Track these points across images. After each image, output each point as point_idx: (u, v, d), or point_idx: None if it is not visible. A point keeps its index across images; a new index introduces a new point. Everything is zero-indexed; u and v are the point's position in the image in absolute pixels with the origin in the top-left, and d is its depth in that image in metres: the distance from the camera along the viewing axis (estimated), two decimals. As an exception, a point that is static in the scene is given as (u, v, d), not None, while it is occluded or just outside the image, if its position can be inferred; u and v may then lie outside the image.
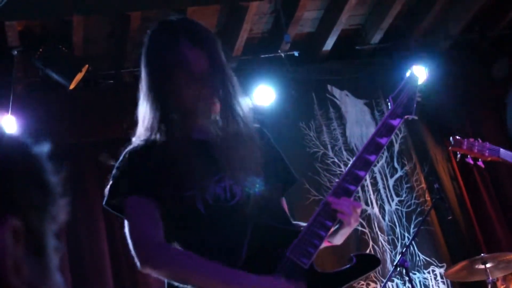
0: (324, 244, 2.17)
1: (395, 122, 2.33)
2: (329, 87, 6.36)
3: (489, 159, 3.89)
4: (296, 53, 5.98)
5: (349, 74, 6.35)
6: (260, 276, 2.00)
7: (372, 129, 6.28)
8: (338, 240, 2.19)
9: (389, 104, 2.44)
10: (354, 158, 2.25)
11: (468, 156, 3.89)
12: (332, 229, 2.14)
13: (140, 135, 2.19)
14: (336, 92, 6.36)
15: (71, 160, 5.06)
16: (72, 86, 5.11)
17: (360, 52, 6.41)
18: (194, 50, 2.14)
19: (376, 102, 6.39)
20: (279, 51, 5.93)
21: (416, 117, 2.40)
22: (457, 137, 3.93)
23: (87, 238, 5.18)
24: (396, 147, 6.31)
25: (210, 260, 2.02)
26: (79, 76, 5.13)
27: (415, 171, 6.25)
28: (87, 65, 5.19)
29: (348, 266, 2.15)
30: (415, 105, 2.41)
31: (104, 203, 2.18)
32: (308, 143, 6.07)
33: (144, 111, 2.18)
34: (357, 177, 2.19)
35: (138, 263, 2.06)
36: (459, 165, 6.41)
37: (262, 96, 5.80)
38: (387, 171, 6.19)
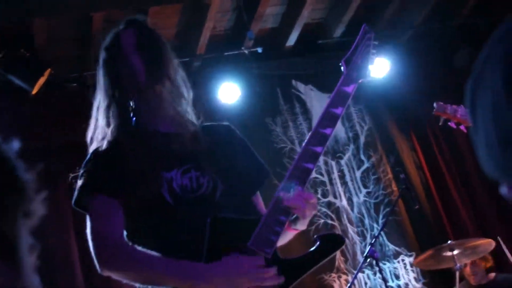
0: (290, 232, 2.17)
1: (349, 88, 2.22)
2: (293, 82, 6.44)
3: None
4: (259, 50, 6.03)
5: (313, 69, 6.42)
6: (215, 263, 2.00)
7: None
8: (302, 225, 2.17)
9: (342, 68, 2.29)
10: (308, 135, 2.16)
11: (451, 120, 3.97)
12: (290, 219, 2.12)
13: (104, 133, 2.25)
14: (301, 86, 6.44)
15: (39, 162, 5.04)
16: (35, 91, 5.08)
17: (324, 46, 6.48)
18: (137, 61, 2.21)
19: (341, 95, 6.47)
20: (243, 48, 5.98)
21: (370, 78, 2.26)
22: (441, 102, 4.02)
23: (56, 238, 5.18)
24: (362, 139, 6.41)
25: (166, 257, 2.05)
26: (41, 80, 5.11)
27: (382, 162, 6.37)
28: (49, 69, 5.16)
29: (312, 249, 2.13)
30: (369, 66, 2.27)
31: (73, 203, 2.22)
32: (275, 138, 6.15)
33: (103, 111, 2.26)
34: (313, 154, 2.12)
35: (97, 265, 2.11)
36: (425, 155, 6.54)
37: (227, 93, 5.85)
38: (354, 163, 6.28)
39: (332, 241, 2.19)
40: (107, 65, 2.26)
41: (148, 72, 2.19)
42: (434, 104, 4.03)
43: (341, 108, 2.18)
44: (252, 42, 5.98)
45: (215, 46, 6.02)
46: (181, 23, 5.78)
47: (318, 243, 2.15)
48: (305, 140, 2.17)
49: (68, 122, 5.48)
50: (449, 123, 4.00)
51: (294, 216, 2.14)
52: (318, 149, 2.13)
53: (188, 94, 2.32)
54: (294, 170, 2.13)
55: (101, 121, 2.24)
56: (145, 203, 2.13)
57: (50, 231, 5.15)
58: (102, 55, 2.30)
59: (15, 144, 0.93)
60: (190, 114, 2.32)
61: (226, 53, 5.99)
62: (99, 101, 2.27)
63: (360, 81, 2.26)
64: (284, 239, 2.19)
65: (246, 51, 5.98)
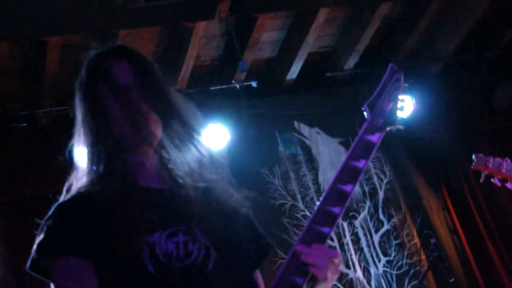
0: None
1: (374, 137, 2.22)
2: (296, 123, 6.45)
3: None
4: (254, 84, 6.06)
5: (320, 107, 6.45)
6: None
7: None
8: None
9: (365, 114, 2.29)
10: (325, 191, 2.17)
11: (495, 176, 3.98)
12: None
13: (73, 184, 2.24)
14: (305, 129, 6.45)
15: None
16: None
17: (332, 80, 6.52)
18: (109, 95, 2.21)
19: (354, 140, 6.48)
20: (233, 81, 6.01)
21: (402, 127, 2.29)
22: (481, 154, 4.03)
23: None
24: (381, 194, 6.40)
25: None
26: (-17, 119, 5.11)
27: (406, 223, 6.35)
28: (-6, 106, 5.17)
29: None
30: (397, 111, 2.28)
31: (28, 266, 2.17)
32: (272, 193, 6.13)
33: (78, 155, 2.25)
34: (330, 216, 2.12)
35: None
36: (459, 215, 6.52)
37: (213, 137, 5.84)
38: (371, 225, 6.25)
39: None
40: (86, 102, 2.25)
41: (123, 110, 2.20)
42: (473, 156, 4.04)
43: (363, 161, 2.19)
44: (244, 75, 6.02)
45: (200, 78, 6.06)
46: (158, 50, 5.82)
47: None
48: (321, 198, 2.16)
49: (15, 171, 5.46)
50: (492, 180, 4.01)
51: (310, 285, 2.09)
52: (336, 209, 2.13)
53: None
54: (306, 235, 2.12)
55: (78, 167, 2.24)
56: (121, 270, 2.10)
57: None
58: (80, 88, 2.27)
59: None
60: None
61: (212, 88, 6.02)
62: (78, 142, 2.25)
63: (388, 129, 2.26)
64: None
65: (237, 86, 6.00)
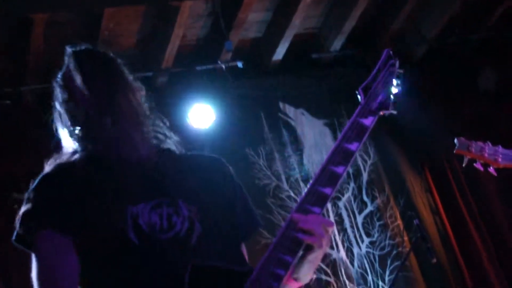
0: (290, 284, 2.14)
1: (367, 121, 2.22)
2: (281, 104, 6.44)
3: (502, 166, 3.99)
4: (240, 64, 6.04)
5: (306, 89, 6.45)
6: None
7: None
8: (306, 273, 2.14)
9: (359, 97, 2.30)
10: (316, 172, 2.18)
11: (477, 161, 3.98)
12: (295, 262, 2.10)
13: (61, 153, 2.26)
14: (290, 110, 6.44)
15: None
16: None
17: (318, 62, 6.51)
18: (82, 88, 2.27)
19: (339, 122, 6.49)
20: (219, 61, 5.99)
21: (394, 112, 2.29)
22: (462, 138, 4.03)
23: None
24: (365, 176, 6.41)
25: None
26: (-33, 96, 5.07)
27: (389, 205, 6.36)
28: (-23, 83, 5.13)
29: None
30: (393, 96, 2.29)
31: (13, 238, 2.20)
32: (257, 173, 6.12)
33: (59, 128, 2.29)
34: (321, 196, 2.13)
35: None
36: (442, 197, 6.54)
37: (199, 116, 5.83)
38: (354, 206, 6.27)
39: None
40: (60, 89, 2.33)
41: (95, 102, 2.26)
42: (455, 140, 4.03)
43: (356, 144, 2.19)
44: (230, 55, 5.99)
45: (185, 58, 6.03)
46: (143, 30, 5.78)
47: None
48: (312, 179, 2.17)
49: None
50: (474, 164, 4.01)
51: (301, 252, 2.09)
52: (328, 190, 2.13)
53: (156, 118, 2.37)
54: (298, 212, 2.12)
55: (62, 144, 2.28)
56: (104, 242, 2.11)
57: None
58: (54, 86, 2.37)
59: None
60: (166, 140, 2.35)
61: (198, 68, 5.99)
62: (58, 122, 2.31)
63: (381, 113, 2.26)
64: None
65: (223, 66, 5.99)
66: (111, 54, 2.42)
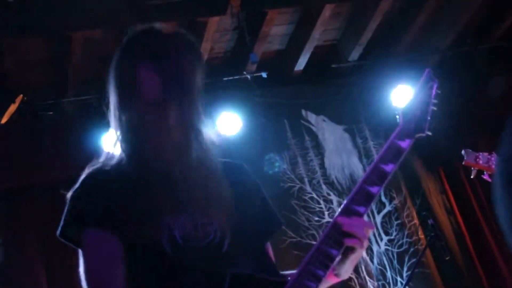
0: (329, 279, 2.12)
1: (405, 143, 2.19)
2: (303, 112, 6.44)
3: None
4: (264, 74, 6.06)
5: (326, 97, 6.45)
6: None
7: (354, 159, 6.36)
8: (347, 270, 2.13)
9: (397, 119, 2.25)
10: (352, 191, 2.15)
11: (485, 172, 3.93)
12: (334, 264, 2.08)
13: (103, 158, 2.22)
14: (312, 117, 6.44)
15: (2, 205, 5.14)
16: (4, 120, 5.10)
17: (337, 71, 6.51)
18: (151, 73, 2.15)
19: (358, 127, 6.49)
20: (245, 72, 6.01)
21: (430, 133, 2.26)
22: (470, 150, 3.98)
23: (24, 281, 5.21)
24: (383, 178, 6.38)
25: None
26: (12, 108, 5.12)
27: (406, 205, 6.34)
28: (21, 96, 5.18)
29: None
30: (429, 118, 2.26)
31: (58, 233, 2.16)
32: (281, 176, 6.13)
33: (112, 134, 2.23)
34: (356, 214, 2.09)
35: None
36: (456, 197, 6.51)
37: (227, 124, 5.85)
38: (373, 207, 6.24)
39: None
40: (115, 79, 2.21)
41: (164, 87, 2.15)
42: (463, 152, 3.99)
43: (391, 165, 2.15)
44: (255, 66, 6.02)
45: (213, 70, 6.05)
46: (174, 44, 5.80)
47: None
48: (347, 198, 2.15)
49: (43, 156, 5.49)
50: (482, 176, 3.97)
51: (342, 252, 2.08)
52: (361, 209, 2.11)
53: (209, 124, 2.28)
54: (332, 230, 2.11)
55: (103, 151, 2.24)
56: (141, 248, 2.09)
57: (18, 275, 5.16)
58: (111, 68, 2.23)
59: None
60: (212, 148, 2.25)
61: (225, 78, 6.02)
62: (110, 119, 2.22)
63: (417, 136, 2.24)
64: None
65: (248, 76, 6.01)
66: (196, 43, 2.30)
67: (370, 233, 5.91)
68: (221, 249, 2.12)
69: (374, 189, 2.12)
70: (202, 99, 2.28)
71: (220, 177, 2.23)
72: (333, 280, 2.15)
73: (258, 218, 2.28)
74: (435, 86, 2.31)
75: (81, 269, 2.11)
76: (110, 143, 2.25)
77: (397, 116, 2.25)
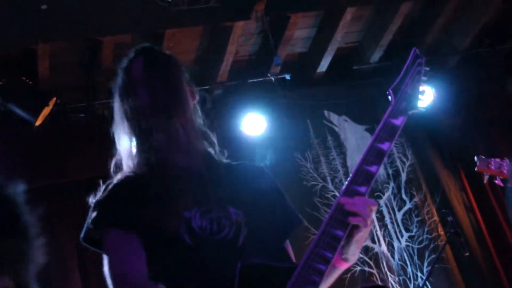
0: (337, 266, 2.13)
1: (398, 121, 2.17)
2: (326, 112, 6.43)
3: None
4: (287, 76, 6.05)
5: (348, 98, 6.43)
6: None
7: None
8: (354, 252, 2.12)
9: (389, 98, 2.24)
10: (352, 173, 2.14)
11: (497, 177, 3.93)
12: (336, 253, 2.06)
13: (121, 167, 2.28)
14: (334, 118, 6.43)
15: (40, 203, 5.14)
16: (38, 122, 5.14)
17: (359, 73, 6.50)
18: (142, 88, 2.28)
19: (379, 127, 6.45)
20: (269, 74, 6.01)
21: (423, 109, 2.22)
22: (482, 156, 3.97)
23: (59, 282, 5.24)
24: (404, 176, 6.36)
25: None
26: (46, 111, 5.17)
27: (426, 202, 6.31)
28: (55, 98, 5.22)
29: None
30: (420, 95, 2.23)
31: (81, 237, 2.21)
32: (305, 175, 6.12)
33: (122, 143, 2.29)
34: (357, 195, 2.08)
35: None
36: (475, 195, 6.46)
37: (251, 125, 5.85)
38: (394, 204, 6.23)
39: None
40: (119, 100, 2.34)
41: (155, 105, 2.26)
42: (476, 159, 3.98)
43: (388, 143, 2.14)
44: (279, 68, 6.01)
45: (238, 72, 6.07)
46: (201, 48, 5.83)
47: None
48: (348, 179, 2.14)
49: (76, 156, 5.53)
50: (495, 181, 3.95)
51: (348, 231, 2.07)
52: (362, 189, 2.09)
53: (205, 128, 2.36)
54: (335, 212, 2.08)
55: (122, 154, 2.30)
56: (162, 243, 2.13)
57: (54, 276, 5.19)
58: (114, 89, 2.38)
59: (19, 185, 0.96)
60: (213, 151, 2.35)
61: (250, 80, 6.03)
62: (119, 134, 2.31)
63: (410, 112, 2.20)
64: (327, 280, 2.12)
65: (272, 78, 6.00)
66: (175, 58, 2.40)
67: (390, 227, 5.99)
68: (237, 243, 2.15)
69: (373, 168, 2.11)
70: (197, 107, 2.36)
71: (234, 176, 2.27)
72: (342, 266, 2.14)
73: (277, 217, 2.30)
74: (423, 63, 2.28)
75: (105, 267, 2.14)
76: (124, 147, 2.30)
77: (388, 95, 2.23)
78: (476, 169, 3.99)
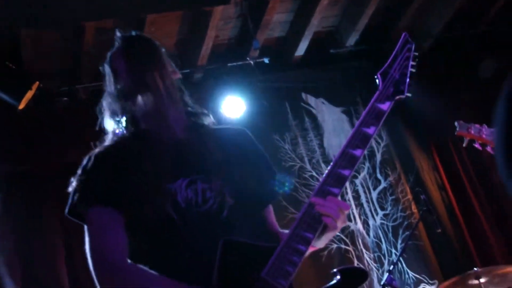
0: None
1: (385, 106, 2.15)
2: (303, 95, 6.46)
3: None
4: (266, 60, 6.06)
5: (325, 80, 6.46)
6: None
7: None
8: (322, 243, 2.14)
9: (377, 81, 2.20)
10: (336, 155, 2.11)
11: (476, 141, 3.98)
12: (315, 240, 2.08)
13: (107, 139, 2.29)
14: (312, 100, 6.46)
15: (22, 188, 5.16)
16: (22, 106, 5.12)
17: (336, 56, 6.51)
18: (121, 62, 2.32)
19: (355, 109, 6.50)
20: (248, 58, 6.01)
21: (409, 95, 2.20)
22: (462, 121, 4.02)
23: (44, 265, 5.23)
24: (379, 156, 6.41)
25: (171, 280, 2.03)
26: (29, 94, 5.14)
27: (400, 181, 6.37)
28: (37, 82, 5.20)
29: (332, 283, 2.09)
30: (408, 80, 2.20)
31: (66, 211, 2.21)
32: (283, 156, 6.16)
33: (106, 117, 2.32)
34: (340, 178, 2.08)
35: (96, 283, 2.09)
36: (447, 174, 6.53)
37: (231, 107, 5.87)
38: (369, 183, 6.28)
39: (355, 275, 2.14)
40: (106, 77, 2.38)
41: (133, 76, 2.26)
42: (456, 123, 4.04)
43: (373, 128, 2.13)
44: (258, 52, 6.02)
45: (218, 56, 6.06)
46: (181, 32, 5.82)
47: (339, 277, 2.10)
48: (332, 161, 2.13)
49: (58, 141, 5.51)
50: (474, 145, 4.01)
51: (320, 229, 2.08)
52: (346, 172, 2.09)
53: (187, 97, 2.36)
54: (317, 195, 2.10)
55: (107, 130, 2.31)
56: (148, 217, 2.12)
57: (38, 255, 5.18)
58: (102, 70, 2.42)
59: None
60: (197, 116, 2.34)
61: (229, 64, 6.03)
62: (105, 107, 2.34)
63: (397, 97, 2.20)
64: None
65: (251, 62, 6.01)
66: (155, 41, 2.41)
67: (366, 206, 6.02)
68: (221, 214, 2.14)
69: (357, 152, 2.10)
70: (180, 81, 2.36)
71: (218, 144, 2.25)
72: (310, 249, 2.14)
73: (261, 181, 2.29)
74: (413, 48, 2.26)
75: (86, 245, 2.14)
76: (112, 125, 2.32)
77: (376, 79, 2.20)
78: (456, 133, 4.05)
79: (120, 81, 2.28)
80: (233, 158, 2.25)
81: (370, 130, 2.12)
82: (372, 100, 2.16)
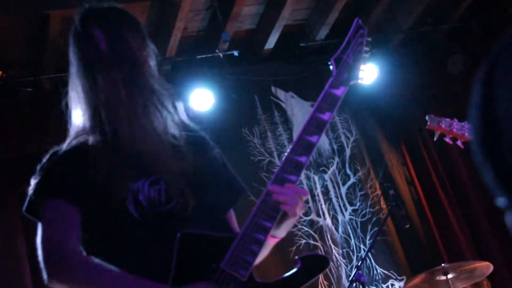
0: (269, 241, 2.12)
1: (339, 91, 2.16)
2: (273, 88, 6.42)
3: (468, 139, 4.00)
4: (235, 53, 6.02)
5: (294, 74, 6.43)
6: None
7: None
8: (282, 232, 2.14)
9: (331, 68, 2.22)
10: (293, 142, 2.11)
11: (447, 135, 4.00)
12: (274, 227, 2.07)
13: (69, 135, 2.20)
14: (281, 94, 6.43)
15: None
16: (-16, 96, 5.03)
17: (306, 50, 6.50)
18: (98, 30, 2.20)
19: (325, 103, 6.48)
20: (217, 50, 5.96)
21: (362, 79, 2.21)
22: (433, 115, 4.04)
23: (5, 256, 5.17)
24: (348, 151, 6.42)
25: (126, 274, 1.99)
26: (-8, 84, 5.06)
27: (369, 177, 6.37)
28: (1, 72, 5.11)
29: (293, 271, 2.09)
30: (361, 65, 2.22)
31: (23, 209, 2.14)
32: (252, 150, 6.12)
33: (73, 110, 2.19)
34: (297, 165, 2.08)
35: (44, 276, 2.02)
36: (416, 169, 6.57)
37: (199, 100, 5.82)
38: (339, 178, 6.27)
39: (315, 262, 2.14)
40: (73, 47, 2.23)
41: (110, 43, 2.17)
42: (427, 117, 4.04)
43: (329, 114, 2.13)
44: (227, 45, 5.97)
45: (187, 48, 6.00)
46: (148, 23, 5.74)
47: (299, 264, 2.09)
48: (289, 149, 2.12)
49: (21, 132, 5.43)
50: (444, 139, 4.02)
51: (279, 217, 2.06)
52: (303, 159, 2.09)
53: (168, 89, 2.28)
54: (275, 182, 2.09)
55: (74, 121, 2.19)
56: (106, 214, 2.07)
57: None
58: (70, 39, 2.27)
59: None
60: (170, 119, 2.23)
61: (198, 56, 5.97)
62: (71, 94, 2.21)
63: (351, 83, 2.21)
64: (262, 252, 2.13)
65: (220, 54, 5.96)
66: (134, 16, 2.32)
67: (335, 201, 6.03)
68: (184, 214, 2.11)
69: (313, 138, 2.10)
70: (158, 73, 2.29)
71: (182, 145, 2.20)
72: (271, 241, 2.15)
73: (222, 186, 2.27)
74: (365, 33, 2.28)
75: (38, 237, 2.06)
76: (76, 118, 2.20)
77: (330, 65, 2.21)
78: (427, 127, 4.06)
79: (93, 44, 2.17)
80: (196, 162, 2.21)
81: (325, 116, 2.12)
82: (326, 86, 2.17)
